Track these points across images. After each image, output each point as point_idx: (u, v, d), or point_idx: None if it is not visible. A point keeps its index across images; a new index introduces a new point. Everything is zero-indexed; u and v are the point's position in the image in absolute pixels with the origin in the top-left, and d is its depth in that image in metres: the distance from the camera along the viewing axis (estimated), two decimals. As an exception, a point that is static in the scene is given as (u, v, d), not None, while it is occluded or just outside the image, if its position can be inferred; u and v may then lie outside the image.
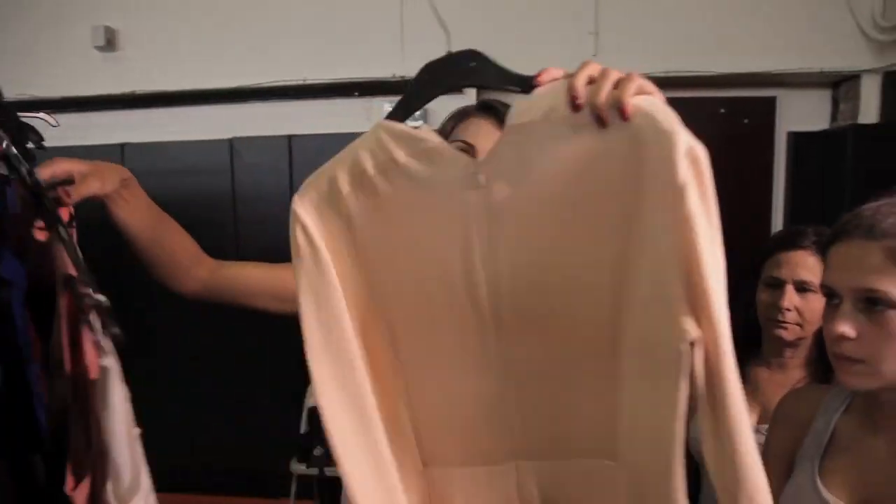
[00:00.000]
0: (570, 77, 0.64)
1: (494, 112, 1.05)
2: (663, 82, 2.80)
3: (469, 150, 1.04)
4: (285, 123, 3.01)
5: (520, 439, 0.69)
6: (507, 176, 0.64)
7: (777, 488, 0.95)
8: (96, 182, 0.98)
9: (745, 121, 3.32)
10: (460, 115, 1.09)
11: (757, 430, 1.35)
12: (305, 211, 0.67)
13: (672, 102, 2.57)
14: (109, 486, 0.78)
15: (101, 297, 0.75)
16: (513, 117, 0.65)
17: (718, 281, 0.57)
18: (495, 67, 0.72)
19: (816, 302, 1.25)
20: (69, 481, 0.77)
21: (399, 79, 3.01)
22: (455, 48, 3.10)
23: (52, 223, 0.80)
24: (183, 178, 3.04)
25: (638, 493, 0.64)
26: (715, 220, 0.59)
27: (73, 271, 0.79)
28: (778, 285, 1.35)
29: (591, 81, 0.62)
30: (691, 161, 0.57)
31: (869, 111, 3.06)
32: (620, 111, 0.60)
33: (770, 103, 3.31)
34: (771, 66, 3.03)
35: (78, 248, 0.82)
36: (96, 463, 0.78)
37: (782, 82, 3.22)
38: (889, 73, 2.99)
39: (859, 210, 0.85)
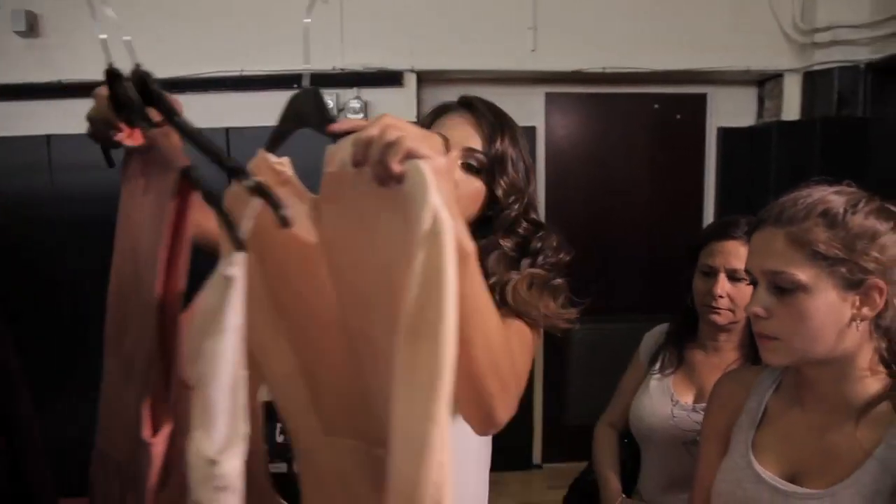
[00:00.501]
0: (357, 133, 0.68)
1: (471, 108, 1.06)
2: (598, 78, 2.88)
3: (446, 143, 1.03)
4: (223, 115, 2.94)
5: (353, 420, 0.81)
6: (330, 215, 0.74)
7: (714, 464, 1.02)
8: None
9: (678, 116, 3.45)
10: (439, 111, 1.11)
11: (693, 410, 1.43)
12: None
13: (608, 98, 2.69)
14: (199, 437, 0.60)
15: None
16: (326, 163, 0.73)
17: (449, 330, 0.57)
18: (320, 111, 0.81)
19: (747, 289, 1.32)
20: (146, 426, 0.65)
21: (339, 71, 2.99)
22: (395, 41, 3.12)
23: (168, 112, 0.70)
24: (116, 171, 2.91)
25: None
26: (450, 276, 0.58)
27: (184, 161, 0.67)
28: (712, 273, 1.43)
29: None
30: (433, 233, 0.58)
31: (791, 108, 3.23)
32: (388, 176, 0.64)
33: (701, 100, 3.45)
34: (701, 63, 3.15)
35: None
36: (179, 407, 0.64)
37: (712, 80, 3.36)
38: (809, 73, 3.16)
39: (777, 200, 0.92)
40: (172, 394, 0.67)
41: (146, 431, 0.66)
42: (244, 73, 2.87)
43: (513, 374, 0.83)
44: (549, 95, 3.37)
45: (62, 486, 1.09)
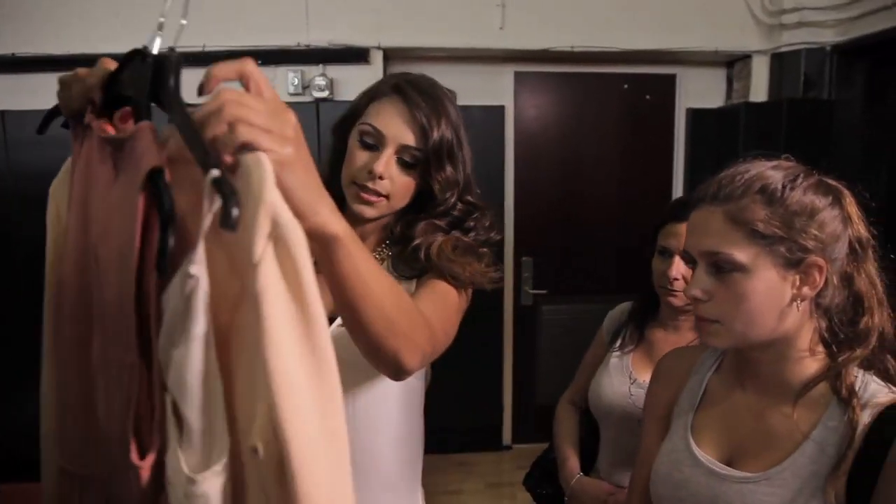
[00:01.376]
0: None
1: (405, 96, 1.04)
2: (568, 57, 2.86)
3: (378, 136, 1.03)
4: (184, 91, 2.85)
5: None
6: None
7: (655, 444, 1.00)
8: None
9: (647, 97, 3.44)
10: (373, 94, 1.08)
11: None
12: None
13: (577, 77, 2.65)
14: (177, 455, 0.55)
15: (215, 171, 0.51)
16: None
17: (286, 369, 0.52)
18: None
19: None
20: (133, 450, 0.58)
21: (304, 47, 2.91)
22: (360, 17, 3.05)
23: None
24: (43, 148, 2.82)
25: None
26: (303, 294, 0.54)
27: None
28: (668, 255, 1.43)
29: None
30: (274, 238, 0.52)
31: (759, 90, 3.24)
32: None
33: (670, 80, 3.45)
34: (671, 44, 3.15)
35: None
36: (162, 424, 0.57)
37: (681, 60, 3.35)
38: (776, 55, 3.17)
39: (712, 177, 0.89)
40: (157, 408, 0.59)
41: (133, 454, 0.59)
42: (206, 49, 2.78)
43: (420, 326, 0.85)
44: (518, 74, 3.34)
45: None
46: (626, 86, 3.41)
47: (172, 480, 0.56)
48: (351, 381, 1.06)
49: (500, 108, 3.31)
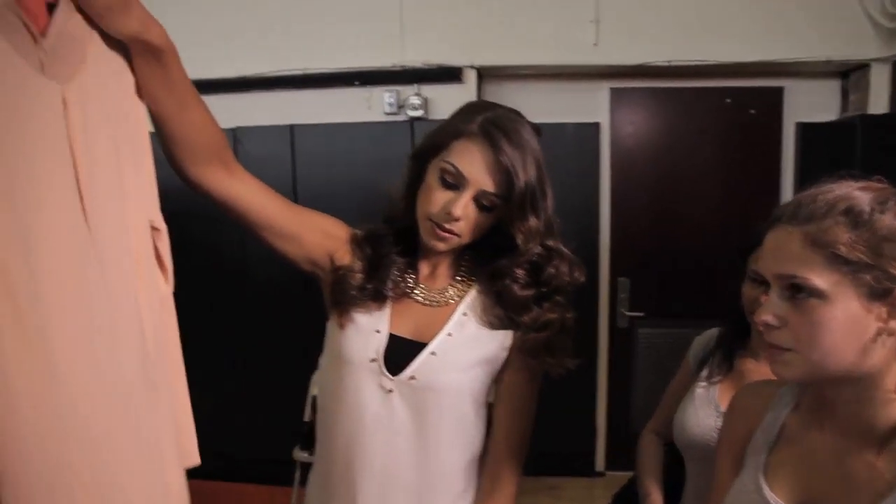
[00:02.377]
0: None
1: (489, 137, 1.03)
2: (665, 71, 2.79)
3: (459, 177, 1.05)
4: (288, 113, 3.03)
5: None
6: None
7: (727, 481, 0.93)
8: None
9: (752, 111, 3.28)
10: (457, 132, 1.07)
11: None
12: None
13: (676, 92, 2.58)
14: None
15: None
16: None
17: None
18: None
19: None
20: None
21: (400, 68, 3.02)
22: (455, 37, 3.13)
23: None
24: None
25: None
26: None
27: None
28: (759, 280, 1.31)
29: None
30: None
31: (879, 101, 3.01)
32: None
33: (777, 93, 3.27)
34: (777, 55, 3.00)
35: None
36: None
37: (789, 72, 3.18)
38: (898, 62, 2.95)
39: (795, 196, 0.83)
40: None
41: None
42: (307, 72, 2.95)
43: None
44: (613, 91, 3.29)
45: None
46: (728, 100, 3.27)
47: None
48: (435, 405, 1.10)
49: (595, 126, 3.27)
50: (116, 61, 0.77)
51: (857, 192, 0.78)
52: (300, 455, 2.85)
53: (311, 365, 3.09)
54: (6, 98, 0.59)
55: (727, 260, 3.21)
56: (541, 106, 2.88)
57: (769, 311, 0.79)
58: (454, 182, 1.05)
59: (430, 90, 3.05)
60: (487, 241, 1.13)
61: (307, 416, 2.88)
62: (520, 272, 1.09)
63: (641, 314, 3.37)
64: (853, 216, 0.75)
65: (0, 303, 0.54)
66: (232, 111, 3.06)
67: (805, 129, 3.25)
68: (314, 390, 2.84)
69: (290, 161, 3.06)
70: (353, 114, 3.01)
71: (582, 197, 3.17)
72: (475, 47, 3.03)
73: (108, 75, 0.76)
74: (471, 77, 3.05)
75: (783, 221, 0.80)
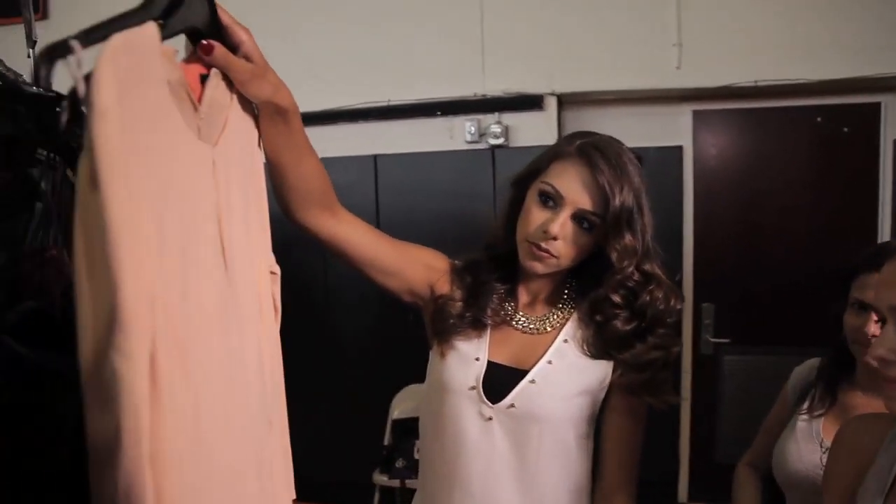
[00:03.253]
0: None
1: (588, 157, 1.06)
2: (750, 92, 2.73)
3: (557, 197, 1.07)
4: (371, 143, 3.12)
5: None
6: None
7: None
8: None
9: (845, 129, 3.14)
10: (555, 154, 1.11)
11: None
12: None
13: (762, 113, 2.53)
14: None
15: None
16: None
17: None
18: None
19: None
20: None
21: (480, 97, 3.06)
22: (534, 64, 3.15)
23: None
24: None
25: None
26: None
27: None
28: (864, 309, 1.27)
29: None
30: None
31: None
32: None
33: (873, 109, 3.12)
34: (872, 69, 2.86)
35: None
36: None
37: (886, 87, 3.03)
38: None
39: None
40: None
41: None
42: (390, 103, 3.03)
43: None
44: (696, 113, 3.22)
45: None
46: (819, 119, 3.14)
47: None
48: (535, 433, 1.10)
49: (678, 149, 3.20)
50: (247, 121, 0.84)
51: None
52: (380, 479, 2.89)
53: (391, 389, 3.16)
54: (179, 162, 0.65)
55: (818, 285, 3.11)
56: (622, 130, 2.75)
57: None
58: (552, 202, 1.07)
59: (511, 118, 3.07)
60: (589, 270, 1.13)
61: (387, 440, 2.93)
62: (616, 299, 1.08)
63: (727, 340, 3.26)
64: None
65: (161, 337, 0.58)
66: (318, 142, 3.16)
67: (904, 147, 3.09)
68: (394, 413, 2.89)
69: (373, 190, 3.15)
70: (435, 143, 3.08)
71: (665, 221, 3.05)
72: (555, 74, 3.04)
73: (241, 133, 0.82)
74: (551, 104, 3.06)
75: None
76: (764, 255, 3.24)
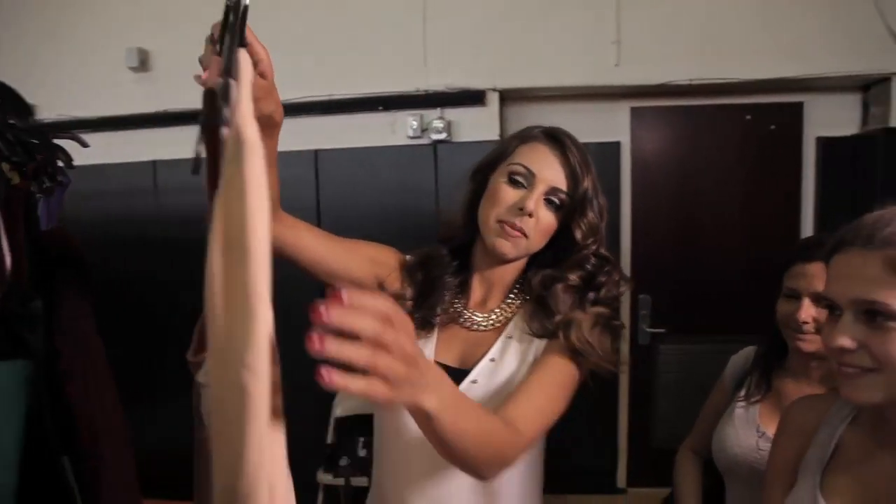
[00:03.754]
0: None
1: (559, 143, 1.08)
2: (686, 90, 2.81)
3: (529, 175, 1.07)
4: (312, 138, 3.06)
5: None
6: None
7: (779, 499, 0.93)
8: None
9: (772, 127, 3.29)
10: (525, 137, 1.12)
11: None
12: None
13: (696, 110, 2.61)
14: None
15: None
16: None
17: None
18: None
19: None
20: None
21: (422, 93, 3.05)
22: (477, 61, 3.15)
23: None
24: (194, 195, 3.12)
25: None
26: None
27: None
28: (796, 297, 1.35)
29: None
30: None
31: (901, 115, 3.01)
32: None
33: (797, 108, 3.28)
34: (798, 70, 3.00)
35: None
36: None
37: (809, 87, 3.18)
38: (921, 77, 2.95)
39: (860, 219, 0.83)
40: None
41: None
42: (332, 98, 2.98)
43: (507, 444, 0.90)
44: (634, 110, 3.30)
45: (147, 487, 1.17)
46: (748, 116, 3.27)
47: None
48: None
49: (616, 144, 3.28)
50: None
51: None
52: (324, 477, 2.86)
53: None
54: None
55: (748, 277, 3.24)
56: (562, 125, 2.84)
57: (844, 334, 0.79)
58: (523, 181, 1.07)
59: (454, 113, 3.07)
60: (540, 265, 1.14)
61: (330, 439, 2.90)
62: (573, 279, 1.09)
63: (663, 330, 3.36)
64: None
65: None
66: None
67: (826, 144, 3.25)
68: (337, 412, 2.86)
69: (314, 185, 3.09)
70: (377, 138, 3.05)
71: (603, 215, 3.17)
72: (497, 70, 3.05)
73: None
74: (493, 100, 3.07)
75: (856, 245, 0.80)
76: (698, 247, 3.36)
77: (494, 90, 3.06)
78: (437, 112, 3.06)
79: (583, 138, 1.12)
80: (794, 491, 0.91)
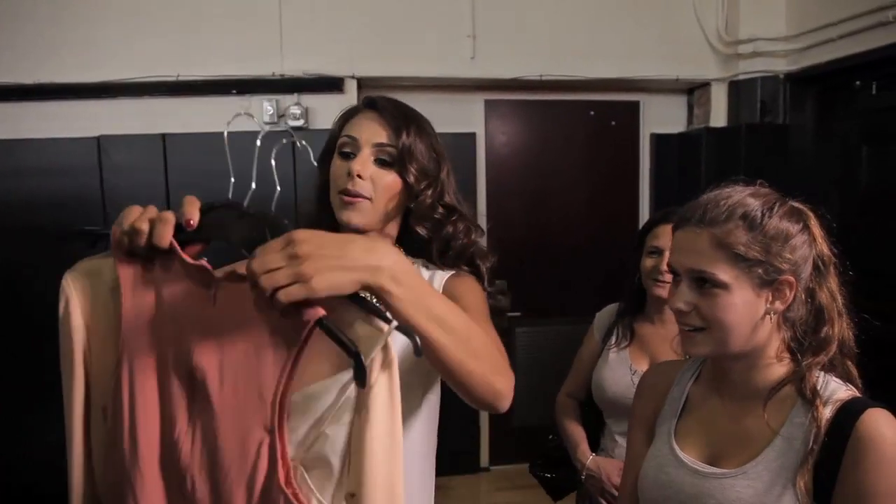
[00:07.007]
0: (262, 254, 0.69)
1: (376, 107, 1.10)
2: (536, 85, 2.97)
3: (354, 142, 1.08)
4: (158, 121, 2.87)
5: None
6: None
7: (642, 451, 1.08)
8: None
9: (613, 123, 3.57)
10: (347, 114, 1.14)
11: None
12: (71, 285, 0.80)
13: (545, 105, 2.78)
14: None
15: None
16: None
17: (375, 451, 0.71)
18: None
19: None
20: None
21: (279, 77, 2.96)
22: (335, 47, 3.11)
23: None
24: (48, 178, 2.83)
25: None
26: (394, 402, 0.72)
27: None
28: (658, 252, 1.62)
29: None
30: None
31: (719, 115, 3.39)
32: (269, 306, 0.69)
33: (634, 107, 3.58)
34: (634, 73, 3.28)
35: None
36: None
37: (644, 88, 3.49)
38: (734, 83, 3.33)
39: (698, 199, 0.97)
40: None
41: None
42: (180, 79, 2.81)
43: (498, 352, 0.93)
44: (488, 102, 3.44)
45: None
46: (592, 112, 3.53)
47: None
48: None
49: (472, 135, 3.40)
50: None
51: (750, 199, 0.94)
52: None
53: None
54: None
55: (596, 258, 3.48)
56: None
57: (681, 299, 0.94)
58: (351, 150, 1.07)
59: (311, 100, 3.02)
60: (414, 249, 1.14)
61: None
62: (422, 231, 1.10)
63: (518, 314, 3.52)
64: (749, 221, 0.92)
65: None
66: (96, 119, 2.85)
67: (658, 139, 3.59)
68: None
69: (162, 171, 2.90)
70: (232, 124, 2.90)
71: (461, 204, 3.26)
72: (355, 58, 3.04)
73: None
74: (351, 87, 3.06)
75: (692, 223, 0.94)
76: (549, 234, 3.56)
77: (353, 77, 3.05)
78: (294, 98, 2.99)
79: (440, 129, 1.15)
80: (654, 441, 1.06)
